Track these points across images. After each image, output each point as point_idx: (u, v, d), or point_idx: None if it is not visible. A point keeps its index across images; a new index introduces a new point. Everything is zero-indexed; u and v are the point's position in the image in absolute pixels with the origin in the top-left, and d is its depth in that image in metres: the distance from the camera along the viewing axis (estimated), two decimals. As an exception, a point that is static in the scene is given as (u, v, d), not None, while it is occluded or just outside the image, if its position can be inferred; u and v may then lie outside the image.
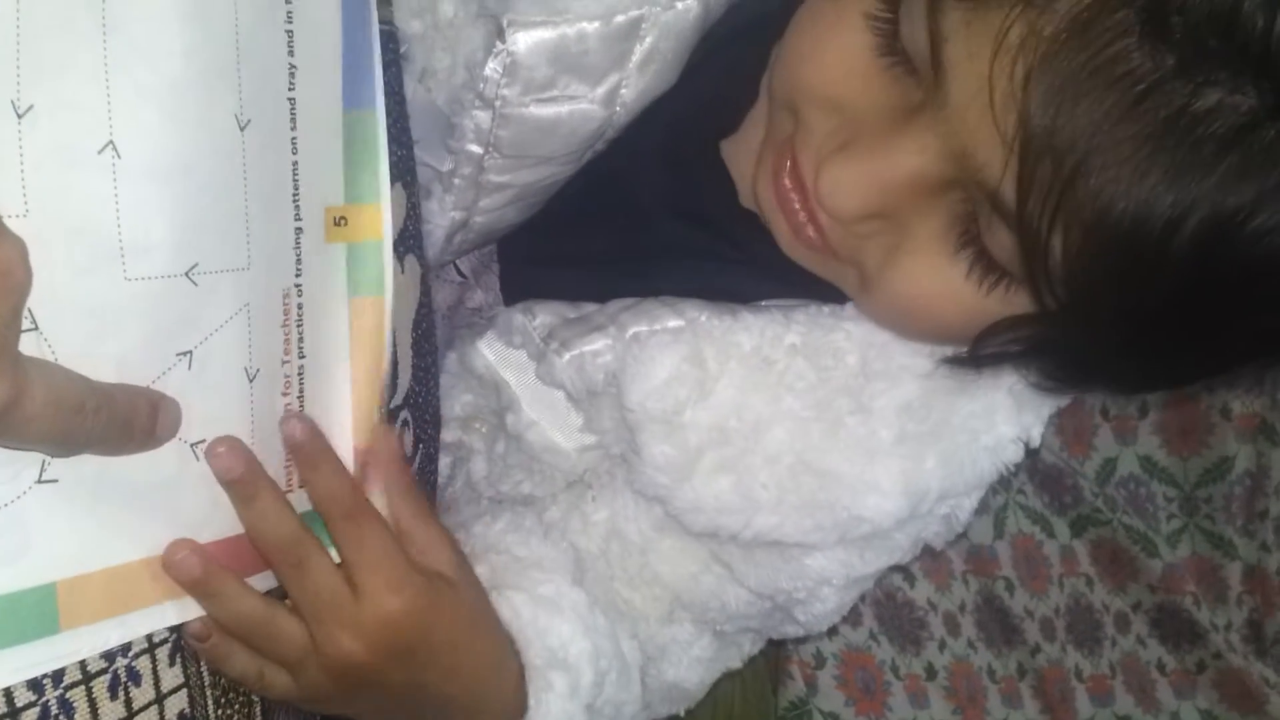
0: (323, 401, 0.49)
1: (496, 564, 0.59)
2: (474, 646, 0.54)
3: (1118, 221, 0.41)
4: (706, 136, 0.62)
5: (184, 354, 0.42)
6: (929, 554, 0.65)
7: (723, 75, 0.60)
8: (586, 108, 0.54)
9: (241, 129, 0.41)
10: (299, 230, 0.46)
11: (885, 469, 0.58)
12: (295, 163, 0.45)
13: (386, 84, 0.49)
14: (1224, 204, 0.40)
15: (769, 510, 0.58)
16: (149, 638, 0.44)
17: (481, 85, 0.53)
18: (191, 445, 0.43)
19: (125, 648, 0.43)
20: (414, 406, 0.57)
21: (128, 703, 0.43)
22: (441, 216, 0.59)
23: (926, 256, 0.50)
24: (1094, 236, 0.42)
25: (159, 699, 0.44)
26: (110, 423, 0.38)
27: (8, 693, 0.38)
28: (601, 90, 0.54)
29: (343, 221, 0.48)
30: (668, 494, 0.59)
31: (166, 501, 0.43)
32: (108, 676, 0.42)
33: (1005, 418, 0.58)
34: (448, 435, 0.67)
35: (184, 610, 0.45)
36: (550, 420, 0.63)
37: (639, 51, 0.54)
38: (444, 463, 0.67)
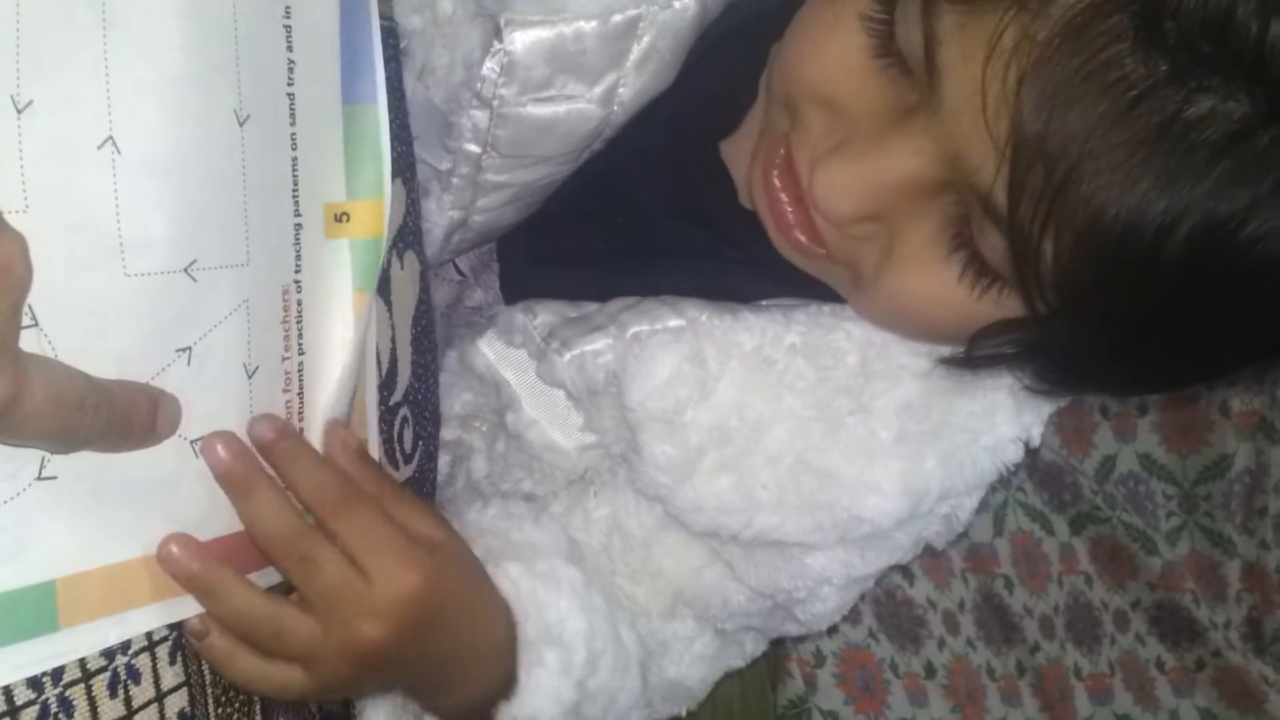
0: (322, 398, 0.49)
1: (491, 544, 0.58)
2: (477, 608, 0.54)
3: (1109, 227, 0.41)
4: (706, 136, 0.62)
5: (183, 350, 0.41)
6: (928, 552, 0.65)
7: (722, 74, 0.60)
8: (584, 107, 0.54)
9: (240, 124, 0.41)
10: (298, 226, 0.46)
11: (885, 469, 0.58)
12: (295, 158, 0.45)
13: (387, 80, 0.49)
14: (1216, 211, 0.40)
15: (769, 510, 0.58)
16: (149, 636, 0.44)
17: (479, 84, 0.53)
18: (191, 442, 0.43)
19: (125, 646, 0.43)
20: (413, 403, 0.57)
21: (127, 701, 0.43)
22: (440, 215, 0.59)
23: (919, 259, 0.50)
24: (1085, 242, 0.42)
25: (159, 697, 0.44)
26: (110, 419, 0.38)
27: (7, 691, 0.38)
28: (599, 90, 0.54)
29: (344, 217, 0.48)
30: (668, 494, 0.59)
31: (166, 499, 0.43)
32: (107, 674, 0.42)
33: (1005, 418, 0.58)
34: (447, 433, 0.67)
35: (184, 608, 0.45)
36: (550, 419, 0.63)
37: (636, 51, 0.54)
38: (444, 461, 0.67)
